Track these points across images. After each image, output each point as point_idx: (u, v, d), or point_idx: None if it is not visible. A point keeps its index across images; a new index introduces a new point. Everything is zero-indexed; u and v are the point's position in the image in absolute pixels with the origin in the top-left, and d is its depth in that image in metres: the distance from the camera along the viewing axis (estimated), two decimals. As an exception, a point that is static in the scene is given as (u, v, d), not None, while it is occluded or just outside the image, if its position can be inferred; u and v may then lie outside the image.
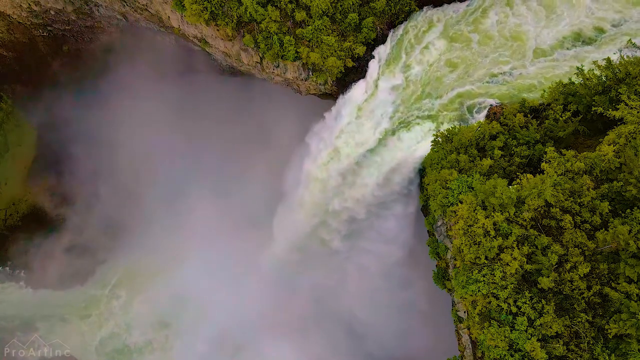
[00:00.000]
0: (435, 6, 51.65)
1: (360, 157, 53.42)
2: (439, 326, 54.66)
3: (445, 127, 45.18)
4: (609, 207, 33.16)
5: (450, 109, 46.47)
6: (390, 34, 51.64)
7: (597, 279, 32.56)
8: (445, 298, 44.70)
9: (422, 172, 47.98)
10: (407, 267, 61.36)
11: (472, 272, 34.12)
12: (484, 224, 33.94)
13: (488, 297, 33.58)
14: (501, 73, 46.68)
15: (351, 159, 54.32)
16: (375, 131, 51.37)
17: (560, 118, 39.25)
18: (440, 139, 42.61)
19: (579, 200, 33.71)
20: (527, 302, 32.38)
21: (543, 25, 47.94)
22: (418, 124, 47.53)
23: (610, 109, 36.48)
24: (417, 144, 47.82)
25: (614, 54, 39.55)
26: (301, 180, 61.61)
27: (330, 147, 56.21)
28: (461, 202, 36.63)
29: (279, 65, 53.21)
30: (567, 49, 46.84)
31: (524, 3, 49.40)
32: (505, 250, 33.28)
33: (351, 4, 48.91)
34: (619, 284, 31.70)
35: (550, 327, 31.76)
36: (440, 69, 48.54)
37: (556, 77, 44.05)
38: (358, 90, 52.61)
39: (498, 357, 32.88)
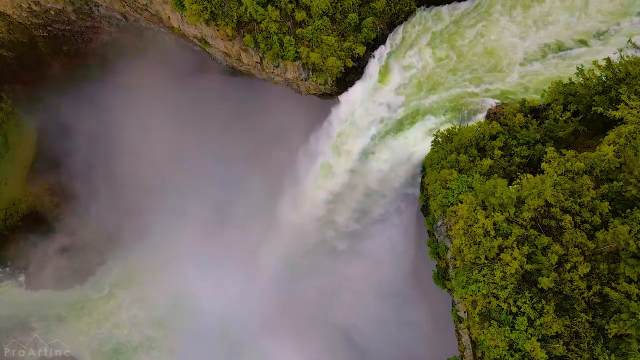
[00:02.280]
0: (436, 5, 51.62)
1: (330, 199, 54.98)
2: (440, 339, 54.46)
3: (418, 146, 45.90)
4: (609, 207, 33.19)
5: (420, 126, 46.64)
6: (390, 35, 51.63)
7: (597, 279, 32.56)
8: (446, 312, 44.33)
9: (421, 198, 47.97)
10: (407, 284, 61.45)
11: (472, 272, 34.12)
12: (484, 224, 33.94)
13: (488, 297, 33.59)
14: (478, 93, 46.50)
15: (323, 207, 55.77)
16: (344, 171, 52.07)
17: (560, 118, 39.25)
18: (440, 139, 42.60)
19: (579, 200, 33.71)
20: (527, 302, 32.39)
21: (524, 38, 47.60)
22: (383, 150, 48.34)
23: (610, 109, 36.48)
24: (387, 167, 48.65)
25: (614, 54, 39.53)
26: (284, 221, 62.86)
27: (305, 195, 57.46)
28: (461, 202, 36.63)
29: (279, 65, 53.18)
30: (549, 57, 46.73)
31: (509, 14, 49.05)
32: (505, 250, 33.28)
33: (351, 4, 48.88)
34: (619, 284, 31.72)
35: (550, 327, 31.77)
36: (418, 88, 48.30)
37: (542, 82, 44.35)
38: (337, 120, 53.00)
39: (498, 357, 32.88)
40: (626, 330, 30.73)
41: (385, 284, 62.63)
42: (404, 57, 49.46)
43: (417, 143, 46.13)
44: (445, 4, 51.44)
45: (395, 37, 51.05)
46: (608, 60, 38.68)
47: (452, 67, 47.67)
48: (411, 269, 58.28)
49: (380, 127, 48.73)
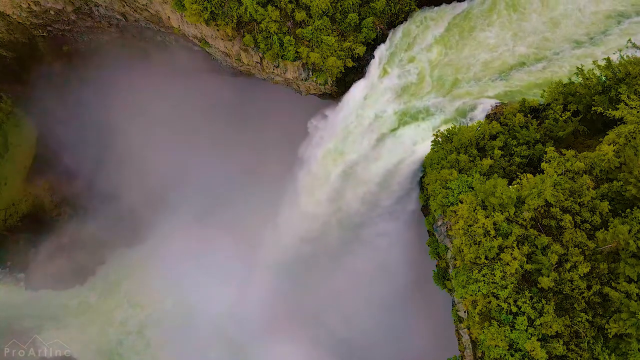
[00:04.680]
0: (436, 6, 51.59)
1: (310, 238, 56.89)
2: (440, 344, 54.37)
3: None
4: (609, 206, 33.19)
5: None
6: (390, 36, 51.56)
7: (597, 279, 32.58)
8: (447, 317, 44.31)
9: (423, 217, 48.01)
10: (407, 293, 61.56)
11: (472, 272, 34.13)
12: (484, 223, 33.94)
13: (488, 296, 33.58)
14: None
15: (305, 244, 57.42)
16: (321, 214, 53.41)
17: (560, 118, 39.27)
18: (440, 139, 42.62)
19: (579, 200, 33.73)
20: (527, 301, 32.39)
21: (508, 49, 47.40)
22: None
23: (610, 109, 36.49)
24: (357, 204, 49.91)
25: (614, 53, 39.56)
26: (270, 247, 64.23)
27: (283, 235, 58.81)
28: (461, 202, 36.64)
29: (279, 65, 53.20)
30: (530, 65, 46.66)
31: (493, 26, 48.75)
32: (505, 250, 33.28)
33: (351, 4, 48.90)
34: (619, 283, 31.73)
35: (550, 327, 31.76)
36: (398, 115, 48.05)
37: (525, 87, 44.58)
38: (314, 159, 53.43)
39: (498, 356, 32.87)
40: (626, 329, 30.73)
41: (384, 292, 62.76)
42: (388, 76, 49.60)
43: (388, 163, 46.77)
44: (444, 4, 51.43)
45: (394, 39, 50.97)
46: (608, 60, 38.69)
47: (430, 89, 47.58)
48: (411, 279, 58.34)
49: (345, 167, 49.89)
